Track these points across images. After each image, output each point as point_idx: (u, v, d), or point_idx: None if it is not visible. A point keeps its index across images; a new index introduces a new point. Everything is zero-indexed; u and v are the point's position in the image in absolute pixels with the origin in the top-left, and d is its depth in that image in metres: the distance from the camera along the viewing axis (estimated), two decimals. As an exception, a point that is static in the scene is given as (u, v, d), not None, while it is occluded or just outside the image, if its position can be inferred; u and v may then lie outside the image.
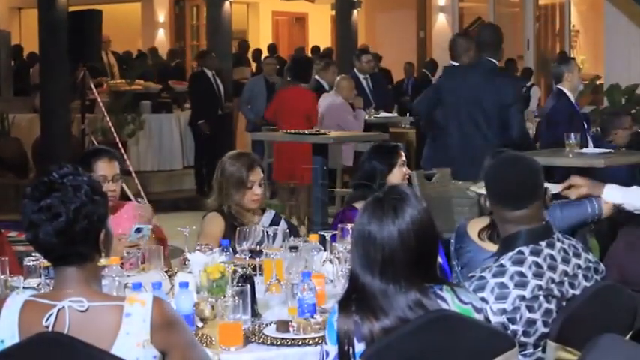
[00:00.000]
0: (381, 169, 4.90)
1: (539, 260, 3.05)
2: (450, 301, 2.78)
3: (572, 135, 6.24)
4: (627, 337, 3.05)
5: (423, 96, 7.24)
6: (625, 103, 10.82)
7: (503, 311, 2.98)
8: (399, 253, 2.71)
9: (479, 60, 6.71)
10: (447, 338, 2.69)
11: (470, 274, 3.10)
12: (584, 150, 6.26)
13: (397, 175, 4.90)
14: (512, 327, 2.99)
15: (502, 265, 3.04)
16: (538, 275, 3.02)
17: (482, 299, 2.97)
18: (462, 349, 2.70)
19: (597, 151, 6.27)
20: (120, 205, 4.58)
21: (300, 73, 10.07)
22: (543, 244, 3.09)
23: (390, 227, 2.72)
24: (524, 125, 6.82)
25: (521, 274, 3.01)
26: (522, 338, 3.00)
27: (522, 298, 2.99)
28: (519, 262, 3.03)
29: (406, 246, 2.71)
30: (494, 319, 2.97)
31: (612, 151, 6.31)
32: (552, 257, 3.08)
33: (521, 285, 2.99)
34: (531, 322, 3.00)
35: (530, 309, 2.99)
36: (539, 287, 3.01)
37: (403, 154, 5.00)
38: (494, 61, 6.64)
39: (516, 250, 3.07)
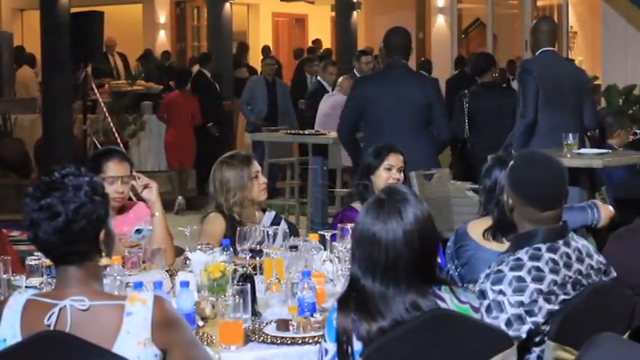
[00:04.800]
0: (369, 166, 4.88)
1: (556, 257, 3.05)
2: (448, 300, 2.79)
3: (571, 135, 6.23)
4: (625, 337, 3.07)
5: (345, 115, 6.55)
6: (622, 103, 10.81)
7: (521, 304, 2.97)
8: (403, 255, 2.72)
9: (392, 62, 6.42)
10: (446, 337, 2.71)
11: (487, 271, 3.07)
12: (582, 150, 6.26)
13: (381, 176, 4.82)
14: (530, 319, 2.98)
15: (519, 259, 3.03)
16: (554, 271, 3.02)
17: (500, 292, 2.97)
18: (460, 348, 2.72)
19: (595, 151, 6.26)
20: (130, 204, 4.57)
21: (183, 81, 11.66)
22: (560, 242, 3.09)
23: (396, 229, 2.72)
24: (448, 123, 6.60)
25: (538, 269, 3.00)
26: (543, 327, 3.01)
27: (540, 291, 2.98)
28: (536, 257, 3.03)
29: (410, 247, 2.72)
30: (512, 311, 2.96)
31: (610, 151, 6.31)
32: (568, 256, 3.08)
33: (539, 279, 2.99)
34: (551, 313, 3.01)
35: (548, 301, 2.99)
36: (555, 282, 3.01)
37: (396, 157, 4.87)
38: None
39: (533, 246, 3.06)
